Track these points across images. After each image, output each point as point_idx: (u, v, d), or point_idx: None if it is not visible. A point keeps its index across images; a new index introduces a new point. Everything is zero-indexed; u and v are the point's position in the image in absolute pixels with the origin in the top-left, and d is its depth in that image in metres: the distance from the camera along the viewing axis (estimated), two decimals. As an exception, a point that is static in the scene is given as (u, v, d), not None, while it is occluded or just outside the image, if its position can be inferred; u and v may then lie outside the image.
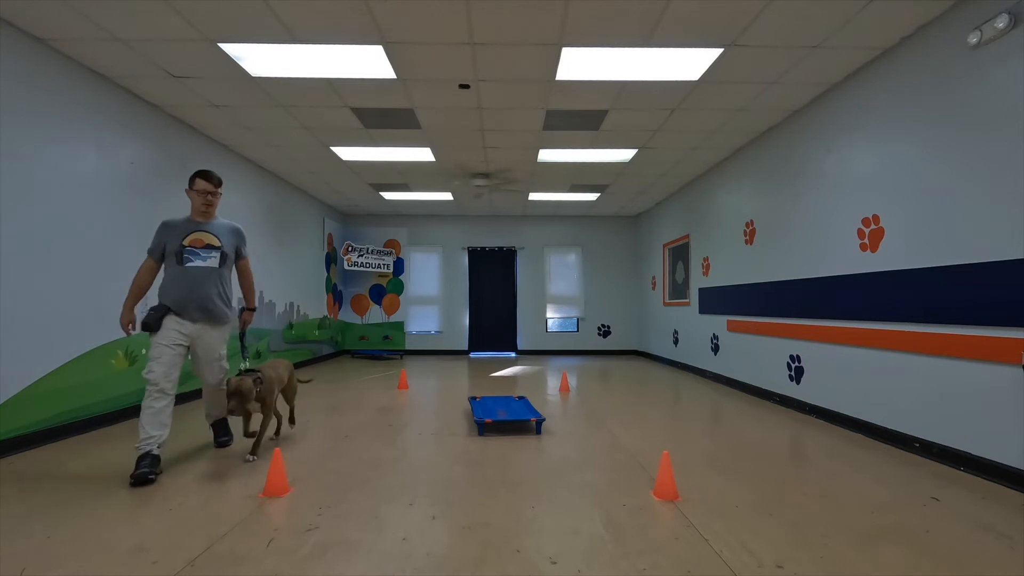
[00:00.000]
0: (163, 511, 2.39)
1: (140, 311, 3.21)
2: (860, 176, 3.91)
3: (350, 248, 9.58)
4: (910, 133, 3.44)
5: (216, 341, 3.23)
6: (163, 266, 3.08)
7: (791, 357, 4.80)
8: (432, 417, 4.49)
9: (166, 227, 3.06)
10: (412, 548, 2.05)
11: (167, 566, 1.89)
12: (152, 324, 2.93)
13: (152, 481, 2.75)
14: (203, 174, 3.11)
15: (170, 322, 2.98)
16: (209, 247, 3.09)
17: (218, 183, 3.15)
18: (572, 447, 3.50)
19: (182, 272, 3.02)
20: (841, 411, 4.10)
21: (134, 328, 3.01)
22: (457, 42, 3.58)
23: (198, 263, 3.05)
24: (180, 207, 5.06)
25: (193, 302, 3.03)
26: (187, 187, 3.11)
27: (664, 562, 1.94)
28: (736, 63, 3.84)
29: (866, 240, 3.82)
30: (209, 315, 3.11)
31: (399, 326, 10.23)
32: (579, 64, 3.87)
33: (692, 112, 4.81)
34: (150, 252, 3.07)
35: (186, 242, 3.03)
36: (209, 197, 3.12)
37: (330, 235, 9.36)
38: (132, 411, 4.34)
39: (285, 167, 6.79)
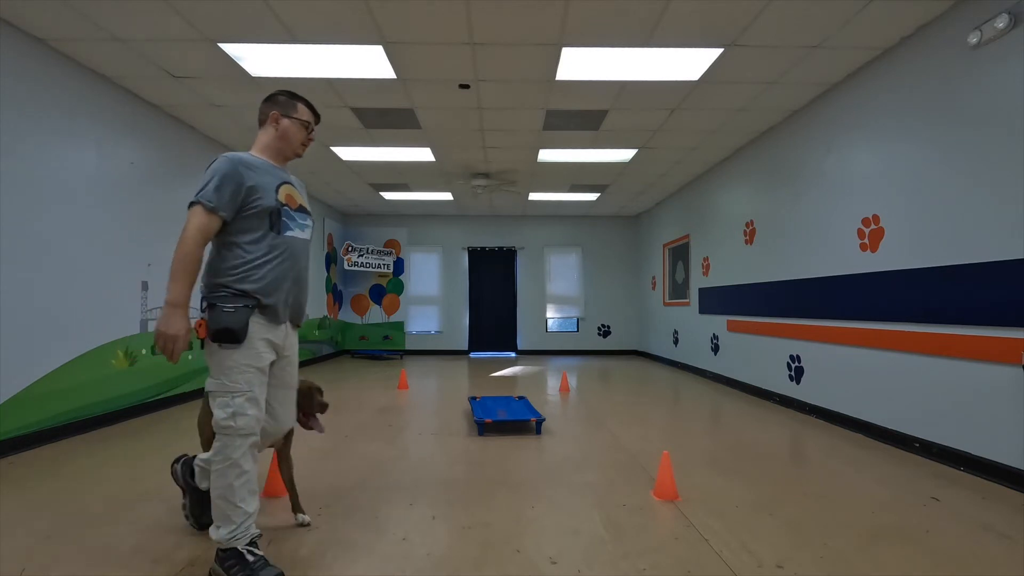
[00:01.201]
0: (163, 511, 2.38)
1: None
2: (860, 176, 3.91)
3: (350, 248, 9.58)
4: (910, 133, 3.44)
5: (296, 353, 2.11)
6: (231, 234, 1.87)
7: (791, 357, 4.80)
8: (432, 417, 4.49)
9: (246, 167, 1.86)
10: (412, 548, 2.05)
11: (167, 566, 1.89)
12: (240, 330, 1.77)
13: None
14: (304, 99, 2.08)
15: (257, 327, 1.84)
16: (302, 210, 2.04)
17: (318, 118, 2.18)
18: (572, 447, 3.50)
19: (280, 245, 1.91)
20: (841, 411, 4.10)
21: (188, 344, 1.77)
22: (457, 42, 3.58)
23: (296, 232, 1.99)
24: (181, 206, 5.09)
25: (292, 293, 1.97)
26: (275, 111, 2.01)
27: (664, 562, 1.94)
28: (736, 63, 3.84)
29: (866, 240, 3.82)
30: (301, 313, 2.07)
31: (399, 326, 10.23)
32: (579, 64, 3.87)
33: (692, 112, 4.81)
34: (212, 205, 1.79)
35: (281, 198, 1.94)
36: (312, 137, 2.13)
37: (330, 235, 9.36)
38: (132, 411, 4.34)
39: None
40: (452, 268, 10.32)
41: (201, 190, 1.81)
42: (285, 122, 2.01)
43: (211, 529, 1.80)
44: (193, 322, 1.76)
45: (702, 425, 4.21)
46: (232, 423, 1.76)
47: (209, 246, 1.87)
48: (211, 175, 1.83)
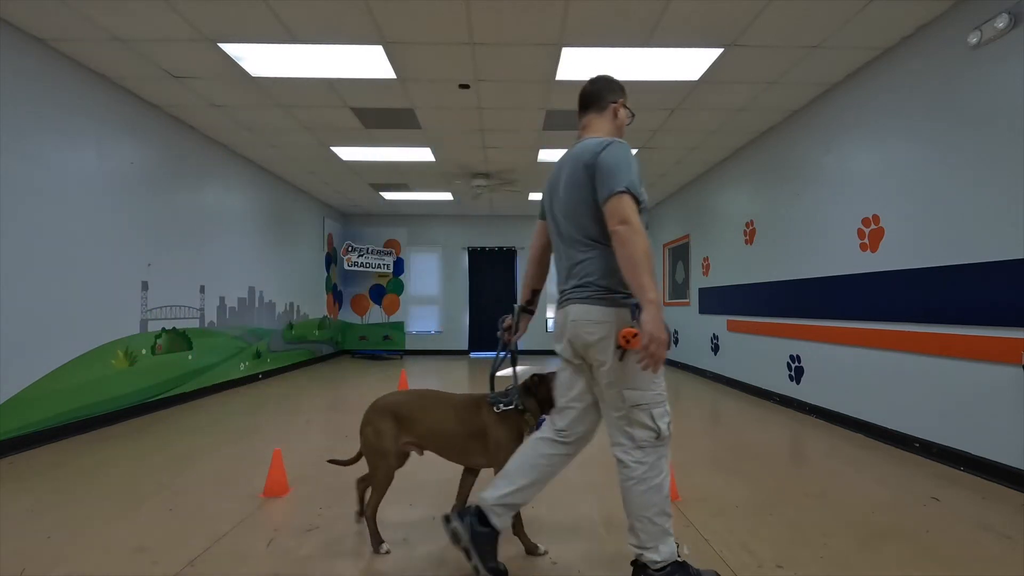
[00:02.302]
0: (163, 511, 2.39)
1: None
2: (860, 176, 3.91)
3: (350, 248, 9.58)
4: (910, 133, 3.44)
5: None
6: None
7: (791, 357, 4.80)
8: (432, 417, 4.48)
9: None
10: (412, 549, 2.05)
11: (167, 566, 1.89)
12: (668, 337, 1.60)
13: None
14: None
15: None
16: None
17: None
18: (572, 447, 3.49)
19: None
20: (841, 411, 4.10)
21: None
22: (457, 42, 3.58)
23: None
24: (180, 206, 5.11)
25: None
26: (620, 99, 1.88)
27: (664, 562, 1.93)
28: (736, 63, 3.84)
29: (866, 240, 3.82)
30: None
31: (399, 326, 10.22)
32: (579, 64, 3.87)
33: (692, 112, 4.81)
34: (641, 197, 1.62)
35: None
36: None
37: (330, 235, 9.36)
38: (132, 411, 4.34)
39: (285, 167, 6.79)
40: (452, 268, 10.31)
41: (626, 178, 1.58)
42: (623, 111, 1.89)
43: (646, 553, 1.64)
44: (615, 333, 1.60)
45: (702, 425, 4.21)
46: (669, 432, 1.66)
47: (595, 245, 1.69)
48: (627, 161, 1.61)
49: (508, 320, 1.99)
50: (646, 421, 1.64)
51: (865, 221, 3.83)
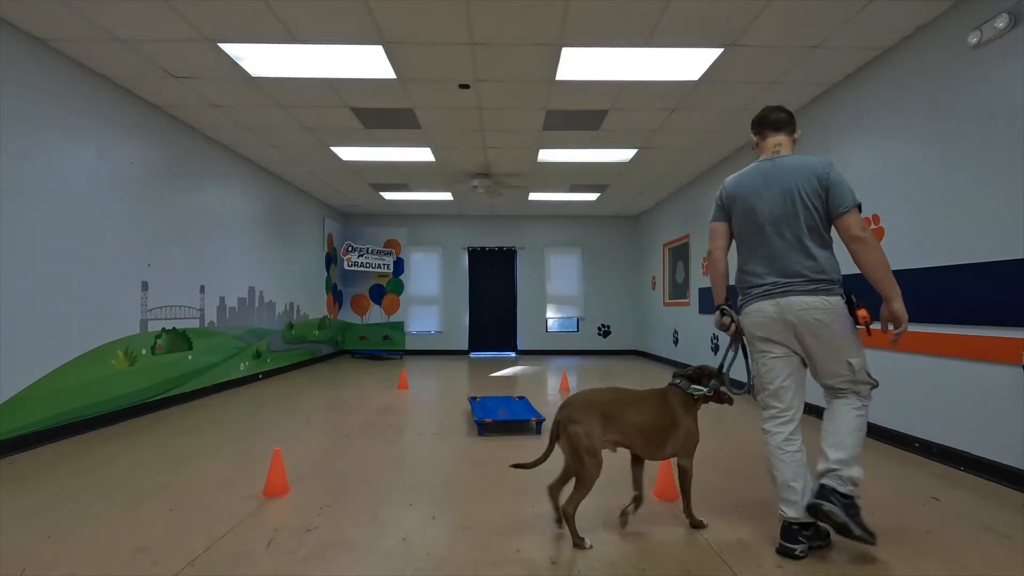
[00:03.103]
0: (163, 511, 2.39)
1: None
2: (860, 176, 3.90)
3: (350, 248, 9.58)
4: (910, 133, 3.44)
5: None
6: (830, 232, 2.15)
7: (791, 357, 4.79)
8: (432, 417, 4.49)
9: None
10: (412, 548, 2.05)
11: (167, 566, 1.89)
12: None
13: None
14: None
15: None
16: None
17: None
18: (572, 447, 3.49)
19: None
20: (841, 411, 4.09)
21: None
22: (457, 42, 3.58)
23: None
24: (180, 206, 5.11)
25: None
26: (796, 130, 2.21)
27: (664, 562, 1.93)
28: (736, 63, 3.84)
29: (866, 240, 3.82)
30: None
31: (399, 326, 10.23)
32: (579, 64, 3.87)
33: (692, 112, 4.81)
34: None
35: None
36: None
37: (330, 235, 9.36)
38: (132, 411, 4.35)
39: (285, 167, 6.79)
40: (452, 268, 10.32)
41: (853, 193, 2.03)
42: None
43: (843, 461, 1.93)
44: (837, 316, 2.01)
45: (702, 425, 4.19)
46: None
47: (820, 247, 2.07)
48: (844, 177, 2.05)
49: (728, 319, 2.22)
50: (866, 378, 2.02)
51: (865, 221, 3.82)
